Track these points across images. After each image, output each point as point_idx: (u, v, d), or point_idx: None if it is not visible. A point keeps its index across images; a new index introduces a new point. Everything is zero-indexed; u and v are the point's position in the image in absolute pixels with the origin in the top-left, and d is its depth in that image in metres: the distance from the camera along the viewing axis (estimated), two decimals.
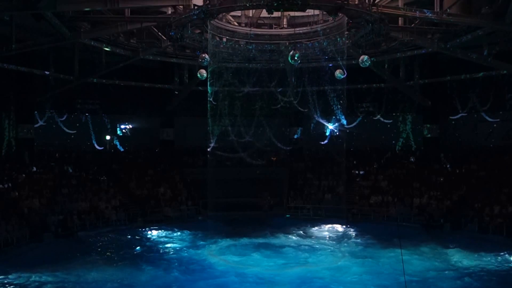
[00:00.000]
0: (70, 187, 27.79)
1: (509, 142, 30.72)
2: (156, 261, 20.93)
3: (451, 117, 33.67)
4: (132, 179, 31.55)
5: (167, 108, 35.32)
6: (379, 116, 35.18)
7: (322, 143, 36.41)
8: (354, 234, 26.38)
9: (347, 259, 21.30)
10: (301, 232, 26.88)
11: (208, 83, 24.29)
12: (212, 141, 29.28)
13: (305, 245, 23.92)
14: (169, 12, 22.84)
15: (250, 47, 25.52)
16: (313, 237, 25.90)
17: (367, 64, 21.73)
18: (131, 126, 36.63)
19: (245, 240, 24.52)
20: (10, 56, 24.34)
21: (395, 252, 20.66)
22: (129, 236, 25.71)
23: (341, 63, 24.36)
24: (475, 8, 21.66)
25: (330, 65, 27.05)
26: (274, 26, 25.02)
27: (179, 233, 26.52)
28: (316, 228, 28.02)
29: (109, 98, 33.35)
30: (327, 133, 37.75)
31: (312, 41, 24.51)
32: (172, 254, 22.42)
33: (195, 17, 19.81)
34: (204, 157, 31.86)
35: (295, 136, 37.56)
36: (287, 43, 24.54)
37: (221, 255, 21.95)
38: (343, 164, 29.62)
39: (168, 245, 24.21)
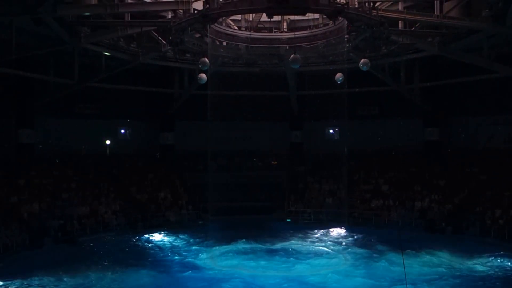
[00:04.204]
0: (70, 191, 27.72)
1: (510, 145, 30.63)
2: (156, 266, 20.82)
3: (451, 121, 33.61)
4: (133, 184, 31.48)
5: (167, 112, 35.29)
6: (379, 119, 35.25)
7: (322, 146, 36.35)
8: (355, 238, 26.25)
9: (348, 264, 21.17)
10: (302, 236, 26.77)
11: (209, 87, 24.22)
12: (212, 145, 29.23)
13: (306, 249, 23.82)
14: (169, 16, 22.85)
15: (250, 51, 25.57)
16: (314, 242, 25.77)
17: (367, 67, 21.70)
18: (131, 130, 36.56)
19: (245, 245, 24.39)
20: (10, 60, 24.33)
21: (396, 256, 20.55)
22: (129, 241, 25.62)
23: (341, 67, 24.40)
24: (475, 11, 21.65)
25: (330, 68, 27.02)
26: (274, 30, 25.01)
27: (179, 237, 26.41)
28: (317, 232, 27.88)
29: (109, 102, 33.34)
30: (328, 137, 37.77)
31: (312, 45, 24.53)
32: (172, 258, 22.30)
33: (194, 21, 19.82)
34: (204, 161, 31.83)
35: (296, 140, 37.42)
36: (287, 47, 24.51)
37: (221, 260, 21.84)
38: (344, 167, 29.54)
39: (168, 249, 24.09)
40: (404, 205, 28.86)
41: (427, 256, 21.64)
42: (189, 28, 21.02)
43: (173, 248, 24.28)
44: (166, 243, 25.59)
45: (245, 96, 33.18)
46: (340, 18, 20.11)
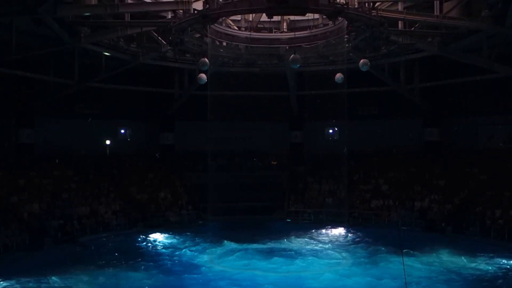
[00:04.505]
0: (70, 191, 27.73)
1: (510, 145, 30.64)
2: (156, 266, 20.81)
3: (451, 121, 33.61)
4: (133, 184, 31.48)
5: (167, 112, 35.31)
6: (379, 119, 35.26)
7: (322, 146, 36.36)
8: (355, 239, 26.26)
9: (348, 264, 21.19)
10: (302, 236, 26.75)
11: (208, 87, 24.24)
12: (212, 145, 29.25)
13: (306, 249, 23.80)
14: (169, 16, 22.86)
15: (250, 51, 25.58)
16: (313, 242, 25.76)
17: (367, 67, 21.70)
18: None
19: (245, 245, 24.38)
20: (10, 60, 24.36)
21: (396, 256, 20.54)
22: (129, 241, 25.62)
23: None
24: (475, 11, 21.65)
25: (330, 68, 27.02)
26: (274, 30, 25.03)
27: (179, 237, 26.42)
28: (316, 232, 27.89)
29: (109, 102, 33.37)
30: (327, 137, 37.76)
31: (312, 45, 24.54)
32: (171, 258, 22.27)
33: (194, 21, 19.83)
34: (204, 162, 31.85)
35: (296, 140, 37.41)
36: (287, 47, 24.52)
37: (221, 260, 21.83)
38: (344, 167, 29.55)
39: (168, 249, 24.10)
40: (404, 205, 28.87)
41: (427, 256, 21.64)
42: (189, 28, 21.03)
43: (173, 248, 24.27)
44: (166, 243, 25.59)
45: (245, 96, 33.16)
46: (340, 18, 20.11)
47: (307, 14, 21.46)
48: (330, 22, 21.94)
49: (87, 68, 28.81)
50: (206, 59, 21.18)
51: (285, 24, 25.09)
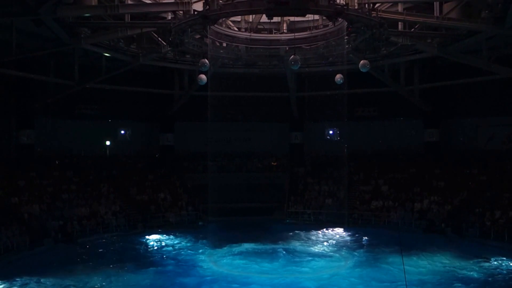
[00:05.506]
0: (70, 192, 27.74)
1: (509, 146, 30.66)
2: (155, 267, 20.82)
3: (451, 122, 33.64)
4: (132, 184, 31.50)
5: (167, 113, 35.34)
6: (379, 120, 35.29)
7: (322, 147, 36.39)
8: (354, 239, 26.26)
9: (347, 265, 21.18)
10: (302, 237, 26.76)
11: (209, 88, 24.27)
12: (212, 146, 29.28)
13: (306, 250, 23.79)
14: (169, 17, 22.88)
15: (250, 52, 25.61)
16: (313, 243, 25.75)
17: (367, 68, 21.73)
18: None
19: (245, 246, 24.39)
20: (11, 61, 24.38)
21: (396, 257, 20.57)
22: (129, 242, 25.60)
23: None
24: (475, 12, 21.67)
25: (330, 69, 27.07)
26: (274, 31, 25.06)
27: (179, 238, 26.43)
28: (316, 233, 27.88)
29: (109, 103, 33.39)
30: (327, 138, 37.80)
31: (312, 46, 24.57)
32: (171, 259, 22.30)
33: (194, 22, 19.86)
34: (204, 162, 31.87)
35: (295, 141, 37.45)
36: (287, 48, 24.56)
37: (220, 261, 21.86)
38: (344, 168, 29.57)
39: (168, 250, 24.10)
40: (404, 206, 28.86)
41: (427, 257, 21.62)
42: (189, 29, 21.07)
43: (172, 249, 24.28)
44: (165, 244, 25.58)
45: (245, 97, 33.21)
46: (340, 19, 20.13)
47: (307, 15, 21.49)
48: (330, 23, 21.97)
49: (87, 69, 28.83)
50: (206, 60, 21.23)
51: (285, 25, 25.12)
